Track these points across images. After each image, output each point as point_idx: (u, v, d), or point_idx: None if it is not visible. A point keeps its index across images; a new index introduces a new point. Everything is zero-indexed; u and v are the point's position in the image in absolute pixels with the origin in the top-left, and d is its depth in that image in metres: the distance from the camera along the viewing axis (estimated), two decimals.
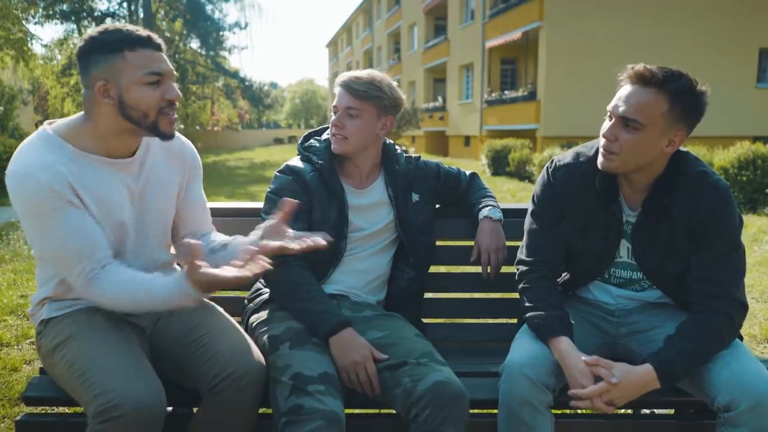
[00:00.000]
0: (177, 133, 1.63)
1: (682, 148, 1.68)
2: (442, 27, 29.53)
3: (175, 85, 1.54)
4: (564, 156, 1.80)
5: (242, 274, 1.34)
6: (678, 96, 1.52)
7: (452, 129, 27.52)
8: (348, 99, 1.80)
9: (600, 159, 1.63)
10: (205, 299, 1.78)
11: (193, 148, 1.81)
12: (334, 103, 1.85)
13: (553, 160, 1.82)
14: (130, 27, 1.48)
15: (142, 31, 1.48)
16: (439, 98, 29.70)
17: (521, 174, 14.29)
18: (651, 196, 1.66)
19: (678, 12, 18.78)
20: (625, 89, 1.57)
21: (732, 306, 1.59)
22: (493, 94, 22.66)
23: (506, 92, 22.13)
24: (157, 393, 1.41)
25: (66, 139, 1.51)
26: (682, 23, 18.78)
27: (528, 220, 1.84)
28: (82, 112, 1.56)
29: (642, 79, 1.53)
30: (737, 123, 18.84)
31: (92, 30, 1.50)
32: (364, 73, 1.84)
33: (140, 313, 1.53)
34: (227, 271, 1.35)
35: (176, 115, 1.56)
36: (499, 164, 15.67)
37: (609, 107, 1.60)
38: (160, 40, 1.51)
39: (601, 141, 1.63)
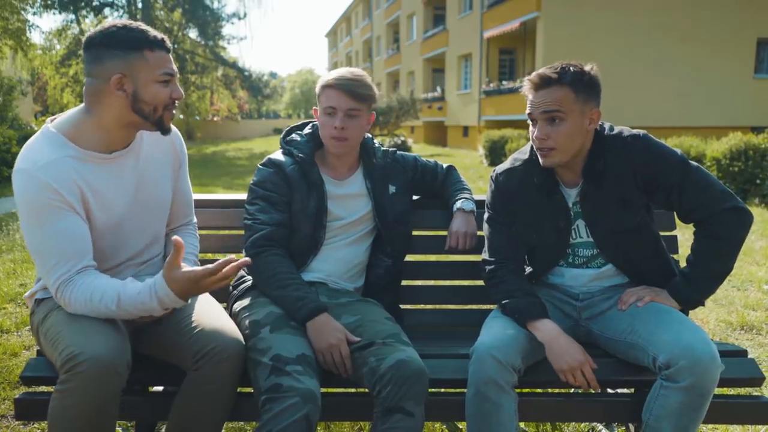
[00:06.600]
0: None
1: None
2: (441, 17, 29.46)
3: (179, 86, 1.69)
4: (503, 164, 1.99)
5: (215, 266, 1.49)
6: (576, 83, 1.70)
7: (451, 119, 27.53)
8: (348, 101, 1.85)
9: (541, 160, 1.78)
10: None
11: (180, 135, 1.92)
12: (330, 104, 1.86)
13: (495, 170, 2.01)
14: (146, 27, 1.61)
15: (158, 33, 1.62)
16: (438, 88, 29.69)
17: None
18: (586, 166, 1.80)
19: (676, 1, 18.74)
20: (532, 96, 1.74)
21: (725, 216, 1.74)
22: (491, 85, 22.65)
23: (504, 82, 22.13)
24: (117, 345, 1.49)
25: (69, 137, 1.60)
26: (679, 13, 18.74)
27: (485, 226, 1.99)
28: (82, 105, 1.65)
29: (541, 84, 1.72)
30: (734, 113, 18.87)
31: (108, 24, 1.60)
32: (352, 72, 1.89)
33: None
34: (201, 268, 1.50)
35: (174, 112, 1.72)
36: (496, 155, 15.72)
37: (528, 113, 1.76)
38: (170, 44, 1.66)
39: (536, 144, 1.78)
